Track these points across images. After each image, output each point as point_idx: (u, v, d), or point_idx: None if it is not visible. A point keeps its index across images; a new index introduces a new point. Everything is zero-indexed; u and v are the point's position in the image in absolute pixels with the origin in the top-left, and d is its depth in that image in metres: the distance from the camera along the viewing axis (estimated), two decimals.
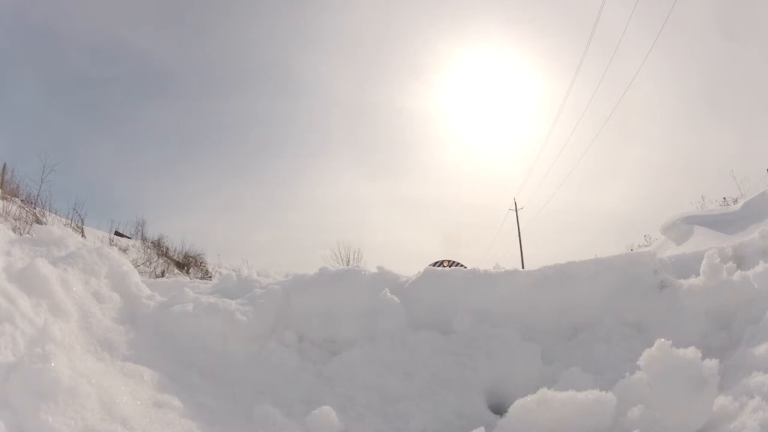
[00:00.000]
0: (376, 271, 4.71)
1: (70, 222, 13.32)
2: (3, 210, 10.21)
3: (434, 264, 19.67)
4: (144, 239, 16.35)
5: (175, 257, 16.30)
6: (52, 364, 2.41)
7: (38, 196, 13.03)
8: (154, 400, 2.85)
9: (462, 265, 20.29)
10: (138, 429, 2.52)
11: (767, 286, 3.47)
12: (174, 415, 2.78)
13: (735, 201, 11.64)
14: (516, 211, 30.21)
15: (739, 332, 3.34)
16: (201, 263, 16.95)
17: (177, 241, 17.27)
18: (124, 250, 13.88)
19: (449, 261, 19.72)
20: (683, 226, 9.09)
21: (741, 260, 4.35)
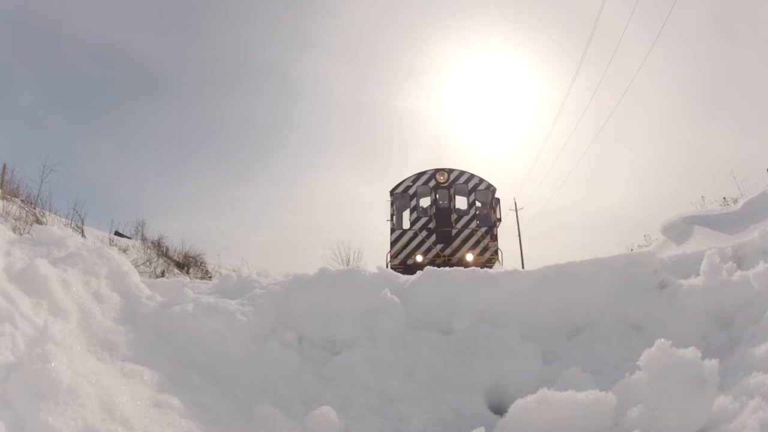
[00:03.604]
0: (376, 271, 4.71)
1: (70, 222, 13.32)
2: (3, 210, 10.21)
3: (419, 174, 13.33)
4: (144, 239, 16.37)
5: (175, 257, 16.31)
6: (52, 365, 2.41)
7: (38, 196, 13.05)
8: (154, 400, 2.85)
9: (464, 172, 13.43)
10: (138, 429, 2.52)
11: (767, 286, 3.47)
12: (174, 415, 2.78)
13: (735, 201, 11.64)
14: (516, 211, 30.20)
15: (739, 332, 3.34)
16: (201, 263, 16.96)
17: (177, 241, 17.32)
18: (124, 250, 13.88)
19: (445, 171, 13.56)
20: (683, 226, 9.09)
21: (741, 260, 4.35)
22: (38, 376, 2.36)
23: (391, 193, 13.96)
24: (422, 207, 13.76)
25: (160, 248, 16.02)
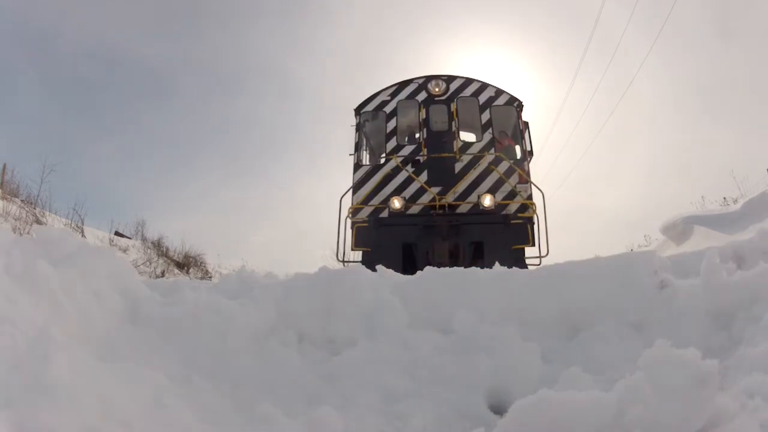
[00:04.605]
0: (376, 270, 4.71)
1: (70, 222, 13.32)
2: (3, 210, 10.21)
3: (402, 84, 9.05)
4: (144, 239, 16.40)
5: (175, 257, 16.31)
6: (52, 365, 2.41)
7: (38, 196, 13.06)
8: (154, 400, 2.85)
9: (472, 79, 9.05)
10: (138, 429, 2.52)
11: (767, 286, 3.47)
12: (174, 415, 2.78)
13: (735, 201, 11.66)
14: None
15: (739, 332, 3.34)
16: (201, 263, 16.97)
17: (177, 241, 17.33)
18: (124, 250, 13.88)
19: (442, 78, 8.99)
20: (683, 226, 9.11)
21: (741, 260, 4.35)
22: (38, 376, 2.36)
23: (358, 111, 9.12)
24: (406, 131, 9.23)
25: (160, 248, 16.03)
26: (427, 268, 4.58)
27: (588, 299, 4.20)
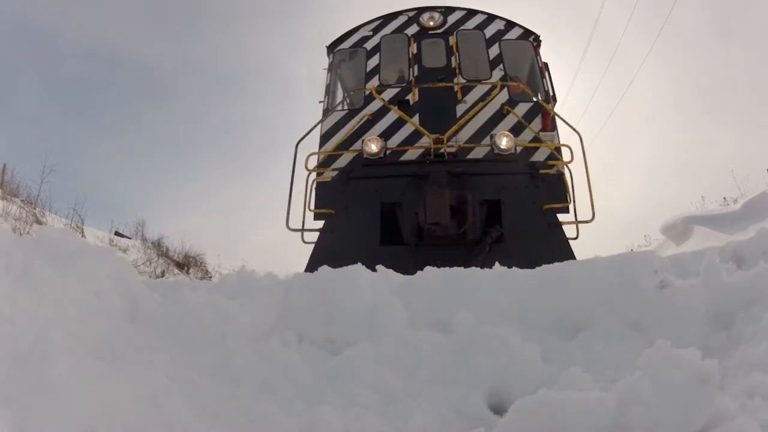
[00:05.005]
0: (376, 270, 4.71)
1: (70, 222, 13.34)
2: (3, 210, 10.21)
3: (387, 17, 7.69)
4: (144, 239, 16.42)
5: (175, 257, 16.33)
6: (52, 365, 2.42)
7: (38, 196, 13.07)
8: (154, 400, 2.85)
9: (475, 11, 7.57)
10: (138, 429, 2.52)
11: (767, 286, 3.48)
12: (174, 415, 2.78)
13: (735, 201, 11.68)
14: None
15: (739, 332, 3.34)
16: (201, 263, 16.98)
17: (177, 241, 17.35)
18: (124, 250, 13.89)
19: (438, 9, 7.48)
20: (683, 226, 9.13)
21: (741, 260, 4.36)
22: (38, 376, 2.36)
23: (331, 50, 7.69)
24: (393, 71, 7.53)
25: (160, 248, 16.05)
26: (427, 268, 4.52)
27: (588, 299, 4.20)
